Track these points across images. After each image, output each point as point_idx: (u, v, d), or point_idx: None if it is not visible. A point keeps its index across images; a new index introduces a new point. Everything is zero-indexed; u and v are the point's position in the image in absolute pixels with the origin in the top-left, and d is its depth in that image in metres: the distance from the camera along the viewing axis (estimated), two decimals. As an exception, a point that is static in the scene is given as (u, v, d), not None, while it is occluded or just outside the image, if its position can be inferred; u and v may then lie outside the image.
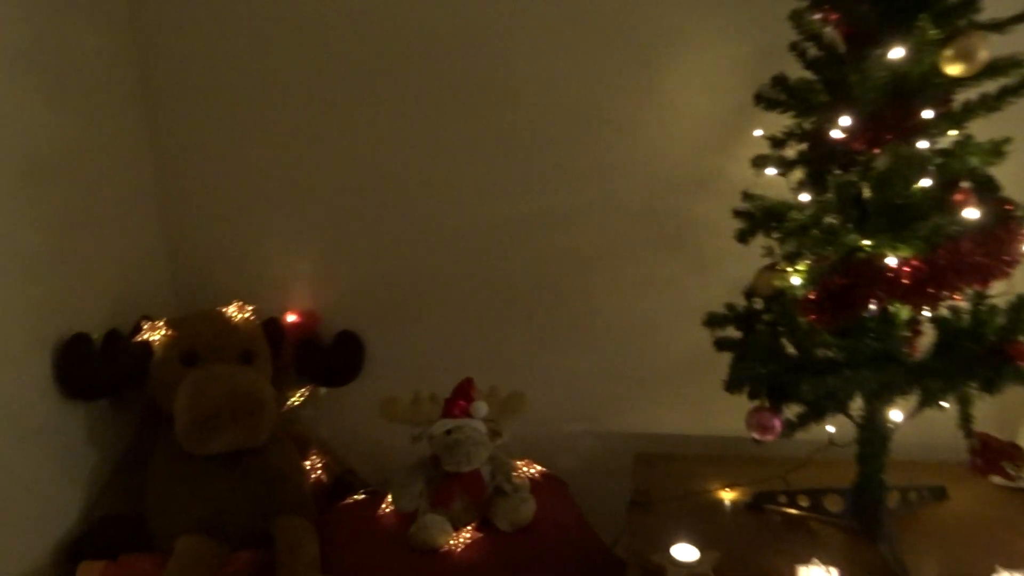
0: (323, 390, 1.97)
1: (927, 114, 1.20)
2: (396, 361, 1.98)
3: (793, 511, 1.50)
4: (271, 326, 1.89)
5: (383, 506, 1.66)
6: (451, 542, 1.53)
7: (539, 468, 1.76)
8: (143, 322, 1.77)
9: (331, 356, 1.94)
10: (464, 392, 1.61)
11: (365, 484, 1.88)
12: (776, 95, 1.35)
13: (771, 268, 1.35)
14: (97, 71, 1.82)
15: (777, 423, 1.30)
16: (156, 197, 2.00)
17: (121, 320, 1.79)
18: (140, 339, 1.75)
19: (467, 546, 1.53)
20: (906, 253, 1.18)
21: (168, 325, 1.78)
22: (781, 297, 1.32)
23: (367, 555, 1.58)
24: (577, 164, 1.80)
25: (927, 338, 1.32)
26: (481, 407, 1.60)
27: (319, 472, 1.88)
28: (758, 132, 1.44)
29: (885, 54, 1.19)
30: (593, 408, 1.93)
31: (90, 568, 1.55)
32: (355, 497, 1.79)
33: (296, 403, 1.93)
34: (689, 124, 1.73)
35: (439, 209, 1.89)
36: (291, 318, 1.94)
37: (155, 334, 1.76)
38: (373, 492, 1.82)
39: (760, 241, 1.37)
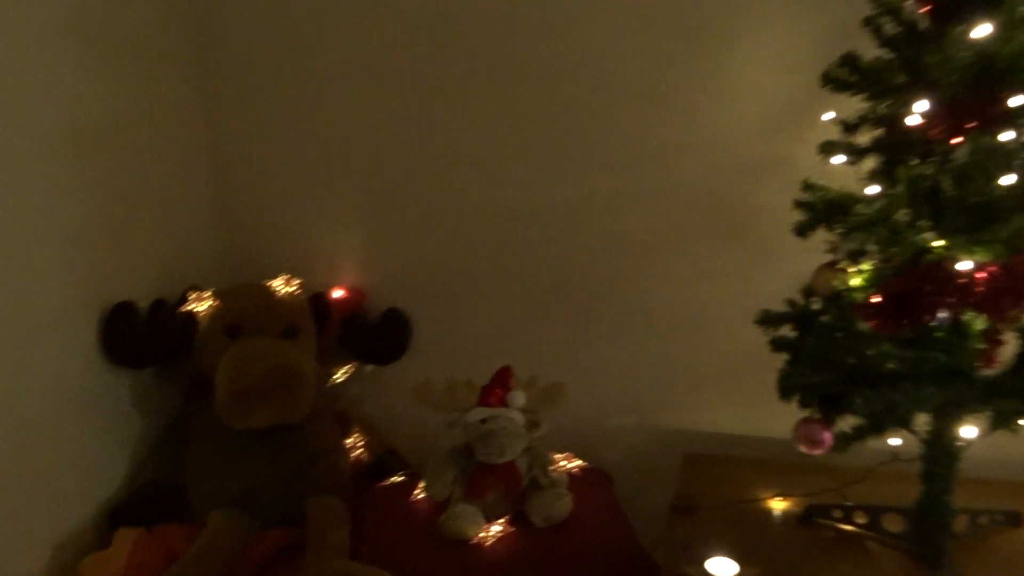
0: (368, 368, 1.94)
1: (1015, 101, 1.06)
2: (442, 342, 1.93)
3: (848, 528, 1.39)
4: (317, 301, 1.87)
5: (416, 491, 1.62)
6: (482, 534, 1.48)
7: (579, 463, 1.69)
8: (189, 292, 1.77)
9: (377, 333, 1.91)
10: (501, 380, 1.55)
11: (406, 466, 1.85)
12: (846, 76, 1.22)
13: (831, 266, 1.23)
14: (154, 42, 1.81)
15: (827, 437, 1.19)
16: (209, 169, 1.99)
17: (169, 290, 1.79)
18: (186, 309, 1.75)
19: (498, 540, 1.48)
20: (983, 257, 1.06)
21: (214, 296, 1.77)
22: (840, 299, 1.20)
23: (396, 541, 1.54)
24: (632, 146, 1.70)
25: (1011, 347, 1.19)
26: (518, 397, 1.53)
27: (360, 451, 1.86)
28: (828, 115, 1.31)
29: (970, 32, 1.06)
30: (640, 402, 1.84)
31: (126, 535, 1.56)
32: (393, 479, 1.76)
33: (340, 380, 1.91)
34: (753, 104, 1.61)
35: (489, 190, 1.82)
36: (338, 294, 1.91)
37: (201, 305, 1.76)
38: (412, 475, 1.79)
39: (822, 236, 1.25)
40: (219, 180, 1.99)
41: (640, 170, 1.70)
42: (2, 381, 1.42)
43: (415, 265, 1.92)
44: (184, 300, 1.77)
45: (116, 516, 1.63)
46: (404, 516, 1.59)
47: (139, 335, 1.68)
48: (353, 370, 1.93)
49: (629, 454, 1.85)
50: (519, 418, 1.52)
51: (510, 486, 1.52)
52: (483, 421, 1.51)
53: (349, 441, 1.85)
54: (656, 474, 1.78)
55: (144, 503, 1.66)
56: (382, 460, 1.87)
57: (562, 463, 1.63)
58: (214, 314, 1.76)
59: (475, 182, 1.83)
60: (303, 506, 1.63)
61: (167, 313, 1.74)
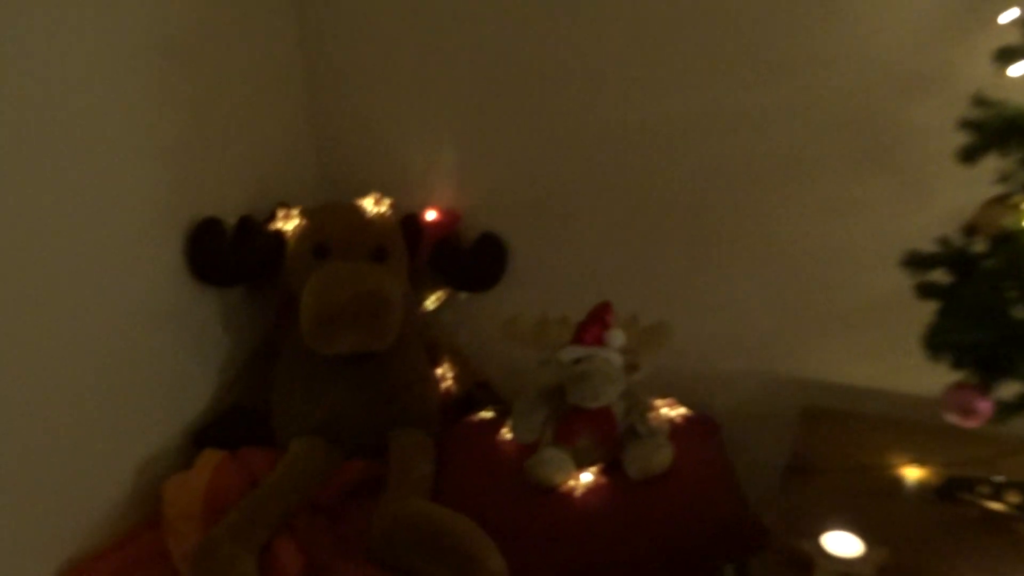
0: (462, 295, 1.83)
1: None
2: (540, 270, 1.79)
3: (997, 507, 1.18)
4: (409, 223, 1.76)
5: (504, 431, 1.52)
6: (571, 482, 1.36)
7: (683, 410, 1.53)
8: (279, 209, 1.70)
9: (472, 259, 1.78)
10: (599, 317, 1.40)
11: (498, 400, 1.75)
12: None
13: (1002, 200, 1.01)
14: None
15: (984, 406, 0.99)
16: (302, 83, 1.88)
17: (258, 207, 1.72)
18: (274, 227, 1.68)
19: (588, 490, 1.36)
20: None
21: (302, 215, 1.69)
22: (1012, 240, 0.98)
23: (479, 482, 1.45)
24: (763, 53, 1.46)
25: None
26: (617, 336, 1.38)
27: (449, 382, 1.76)
28: (1009, 15, 1.07)
29: None
30: (756, 345, 1.65)
31: (210, 456, 1.52)
32: (482, 414, 1.66)
33: (432, 307, 1.81)
34: (911, 4, 1.35)
35: (596, 105, 1.63)
36: (431, 215, 1.79)
37: (289, 223, 1.68)
38: (503, 410, 1.69)
39: (993, 163, 1.03)
40: (312, 94, 1.88)
41: (771, 83, 1.46)
42: (89, 297, 1.39)
43: (514, 187, 1.77)
44: (272, 218, 1.69)
45: (201, 438, 1.59)
46: (489, 456, 1.49)
47: (225, 252, 1.62)
48: (445, 297, 1.82)
49: (740, 403, 1.67)
50: (617, 360, 1.38)
51: (604, 432, 1.39)
52: (577, 361, 1.37)
53: (438, 371, 1.76)
54: (770, 428, 1.60)
55: (229, 426, 1.63)
56: (472, 393, 1.77)
57: (663, 410, 1.49)
58: (302, 233, 1.68)
59: (579, 96, 1.64)
60: (387, 438, 1.56)
61: (254, 231, 1.67)
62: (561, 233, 1.75)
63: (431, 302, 1.80)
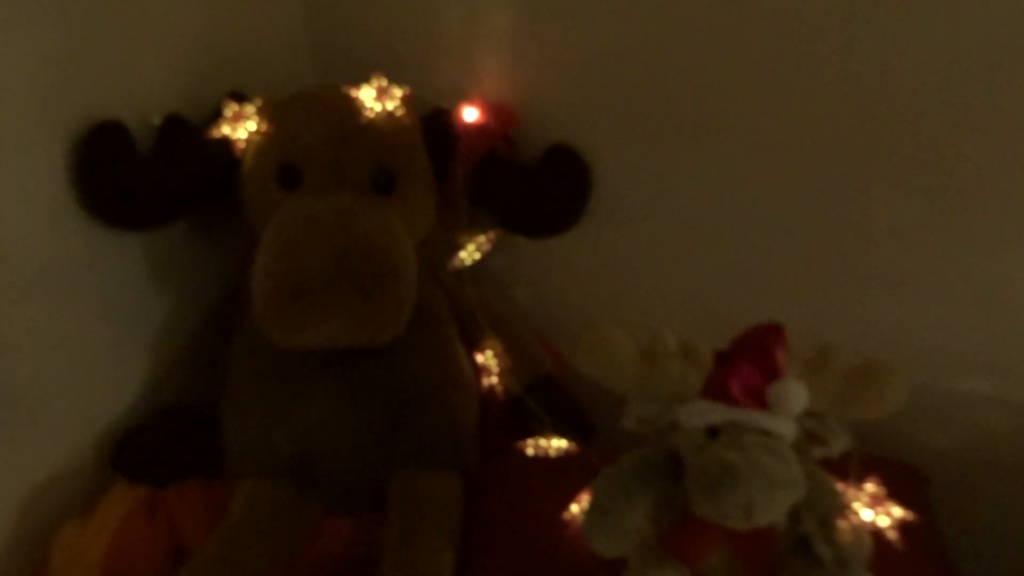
0: (519, 240, 1.18)
1: None
2: (642, 205, 1.12)
3: None
4: (435, 126, 1.09)
5: (575, 507, 0.91)
6: (690, 628, 0.77)
7: (900, 511, 0.84)
8: (226, 104, 1.06)
9: (535, 184, 1.10)
10: (760, 351, 0.74)
11: (574, 410, 1.13)
12: None
13: None
14: None
15: None
16: None
17: (200, 101, 1.09)
18: (218, 133, 1.05)
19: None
20: None
21: (260, 113, 1.05)
22: None
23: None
24: None
25: None
26: (794, 394, 0.73)
27: (495, 379, 1.15)
28: None
29: None
30: (1008, 361, 0.99)
31: (118, 501, 0.99)
32: (546, 442, 1.05)
33: (471, 260, 1.17)
34: None
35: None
36: (471, 115, 1.10)
37: (240, 127, 1.05)
38: (584, 431, 1.09)
39: None
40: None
41: None
42: None
43: (608, 73, 1.05)
44: (217, 118, 1.06)
45: (119, 456, 1.04)
46: (548, 531, 0.90)
47: (137, 174, 1.00)
48: (491, 244, 1.17)
49: (978, 440, 1.03)
50: (789, 434, 0.74)
51: (754, 552, 0.78)
52: (713, 433, 0.74)
53: (479, 361, 1.15)
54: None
55: (163, 433, 1.06)
56: (534, 393, 1.15)
57: (862, 510, 0.83)
58: (261, 146, 1.05)
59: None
60: (390, 481, 1.00)
61: (187, 139, 1.04)
62: (671, 146, 1.06)
63: (470, 252, 1.15)
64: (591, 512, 0.79)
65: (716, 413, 0.73)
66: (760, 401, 0.73)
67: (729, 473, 0.69)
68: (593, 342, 0.77)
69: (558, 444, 1.04)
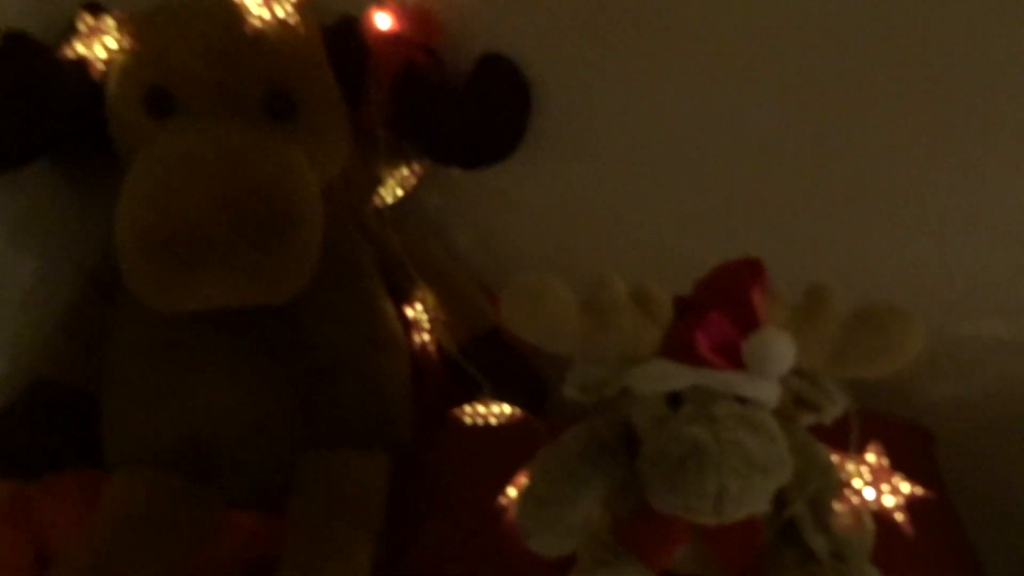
0: (454, 173, 1.00)
1: None
2: (592, 124, 0.94)
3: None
4: (341, 37, 0.90)
5: (511, 489, 0.75)
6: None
7: (908, 486, 0.68)
8: (79, 16, 0.86)
9: (465, 103, 0.92)
10: (735, 297, 0.57)
11: (524, 369, 0.97)
12: None
13: None
14: None
15: None
16: None
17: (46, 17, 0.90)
18: (71, 52, 0.86)
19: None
20: None
21: (123, 28, 0.85)
22: None
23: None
24: None
25: None
26: (777, 348, 0.56)
27: (427, 337, 0.98)
28: None
29: None
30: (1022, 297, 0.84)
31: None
32: (485, 408, 0.90)
33: (392, 199, 0.99)
34: None
35: None
36: (384, 22, 0.91)
37: (98, 43, 0.86)
38: (533, 397, 0.93)
39: None
40: None
41: None
42: None
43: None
44: (72, 34, 0.87)
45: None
46: (487, 516, 0.75)
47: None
48: (418, 178, 1.00)
49: (991, 393, 0.88)
50: (771, 400, 0.58)
51: (731, 548, 0.63)
52: (675, 400, 0.58)
53: (411, 315, 0.98)
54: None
55: (27, 422, 0.89)
56: (475, 351, 0.99)
57: (863, 488, 0.66)
58: (125, 64, 0.86)
59: None
60: (298, 465, 0.83)
61: (34, 61, 0.85)
62: (642, 62, 0.89)
63: (391, 189, 0.97)
64: (525, 503, 0.63)
65: (678, 376, 0.57)
66: (734, 360, 0.56)
67: (694, 454, 0.53)
68: (521, 294, 0.60)
69: (500, 410, 0.88)
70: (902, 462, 0.69)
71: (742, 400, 0.56)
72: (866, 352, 0.56)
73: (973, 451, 0.87)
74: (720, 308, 0.57)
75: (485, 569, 0.71)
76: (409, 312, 0.97)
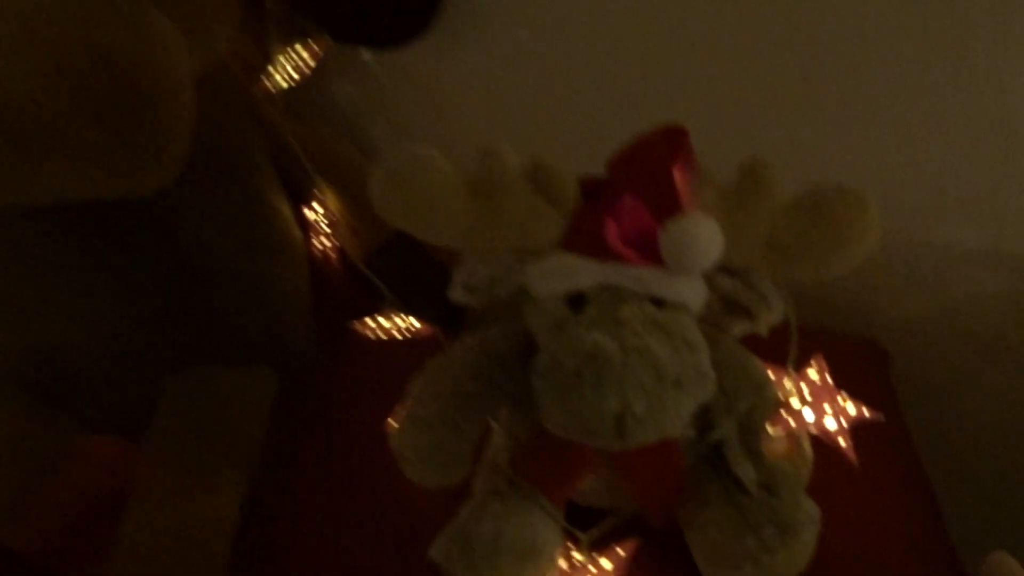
0: (363, 55, 0.88)
1: None
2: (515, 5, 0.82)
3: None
4: None
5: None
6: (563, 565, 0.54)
7: (853, 408, 0.58)
8: None
9: None
10: (652, 176, 0.47)
11: (440, 274, 0.86)
12: None
13: None
14: None
15: None
16: None
17: None
18: None
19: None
20: None
21: None
22: None
23: (351, 511, 0.63)
24: None
25: None
26: (702, 237, 0.46)
27: (327, 244, 0.87)
28: None
29: None
30: (1004, 206, 0.74)
31: None
32: (393, 321, 0.79)
33: (287, 83, 0.86)
34: None
35: None
36: None
37: None
38: (448, 309, 0.83)
39: None
40: None
41: None
42: None
43: None
44: None
45: None
46: (370, 449, 0.65)
47: None
48: (319, 60, 0.86)
49: (954, 307, 0.79)
50: (695, 301, 0.48)
51: (645, 477, 0.53)
52: (577, 302, 0.48)
53: (312, 218, 0.86)
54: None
55: None
56: (384, 258, 0.88)
57: (797, 400, 0.57)
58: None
59: None
60: (167, 386, 0.73)
61: None
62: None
63: (282, 71, 0.84)
64: (405, 428, 0.53)
65: (582, 273, 0.47)
66: (650, 253, 0.46)
67: (591, 364, 0.43)
68: (392, 171, 0.48)
69: (407, 324, 0.78)
70: (851, 381, 0.60)
71: (659, 302, 0.46)
72: (811, 244, 0.46)
73: (928, 370, 0.79)
74: (634, 190, 0.47)
75: (367, 501, 0.61)
76: (309, 215, 0.85)
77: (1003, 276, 0.77)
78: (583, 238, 0.47)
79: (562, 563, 0.54)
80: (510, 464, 0.54)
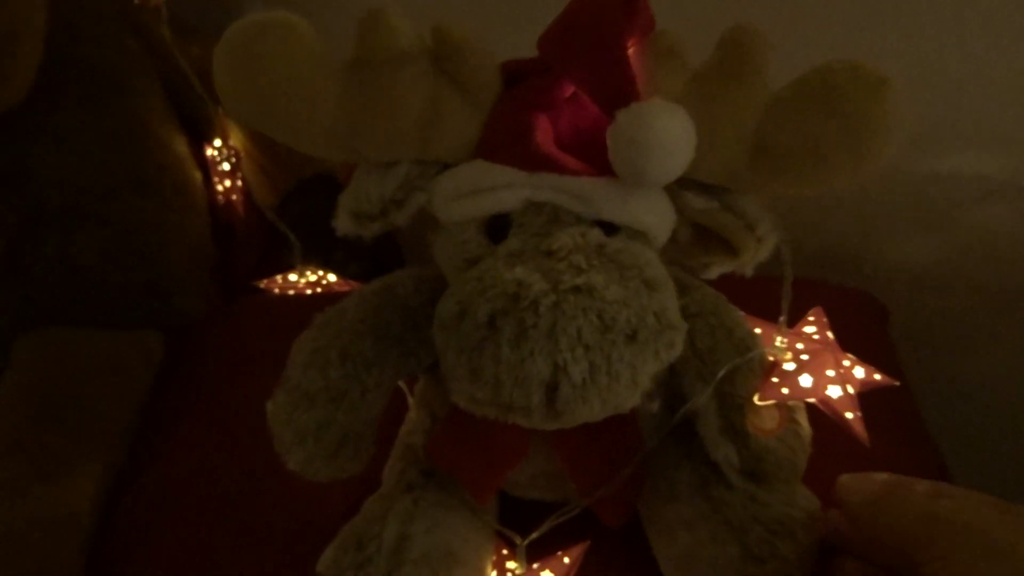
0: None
1: None
2: None
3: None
4: None
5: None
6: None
7: (864, 370, 0.43)
8: None
9: None
10: (601, 56, 0.34)
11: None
12: None
13: None
14: None
15: None
16: None
17: None
18: None
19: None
20: None
21: None
22: None
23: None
24: None
25: None
26: (666, 132, 0.34)
27: (229, 186, 0.73)
28: None
29: None
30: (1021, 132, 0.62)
31: None
32: (305, 276, 0.66)
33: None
34: None
35: None
36: None
37: None
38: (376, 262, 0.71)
39: None
40: None
41: None
42: None
43: None
44: None
45: None
46: (254, 427, 0.52)
47: None
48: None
49: (959, 253, 0.68)
50: (655, 226, 0.35)
51: (591, 464, 0.41)
52: (498, 228, 0.35)
53: (210, 155, 0.73)
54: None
55: None
56: (295, 202, 0.75)
57: (792, 364, 0.45)
58: None
59: None
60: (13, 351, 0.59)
61: None
62: None
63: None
64: (282, 404, 0.40)
65: (502, 188, 0.34)
66: (596, 159, 0.33)
67: (511, 312, 0.30)
68: (236, 44, 0.35)
69: (321, 279, 0.65)
70: (844, 340, 0.48)
71: (608, 227, 0.34)
72: (816, 143, 0.33)
73: (937, 327, 0.68)
74: (574, 74, 0.34)
75: (248, 496, 0.49)
76: (208, 152, 0.71)
77: (1021, 216, 0.65)
78: (506, 140, 0.34)
79: (492, 574, 0.42)
80: (425, 449, 0.42)
